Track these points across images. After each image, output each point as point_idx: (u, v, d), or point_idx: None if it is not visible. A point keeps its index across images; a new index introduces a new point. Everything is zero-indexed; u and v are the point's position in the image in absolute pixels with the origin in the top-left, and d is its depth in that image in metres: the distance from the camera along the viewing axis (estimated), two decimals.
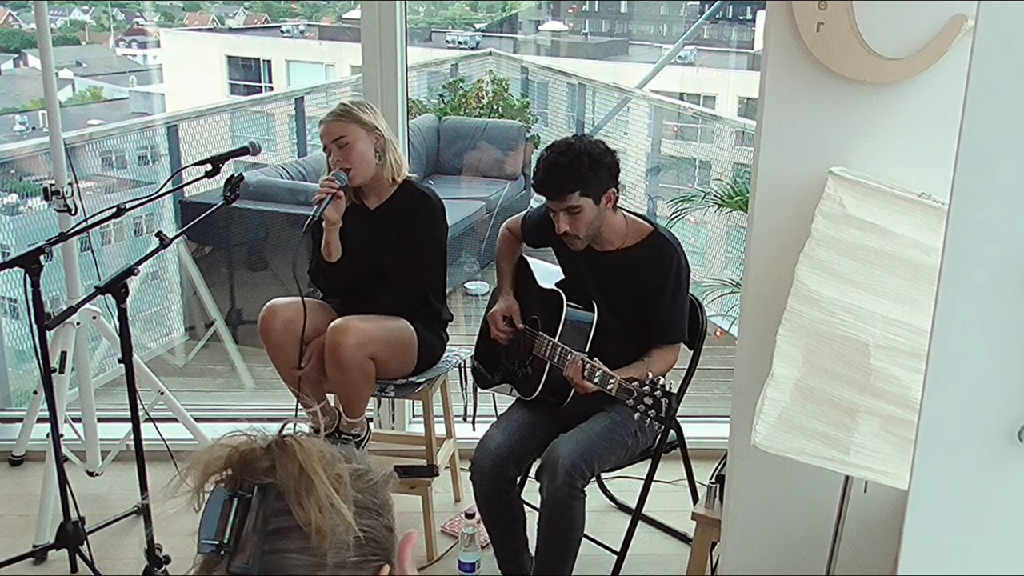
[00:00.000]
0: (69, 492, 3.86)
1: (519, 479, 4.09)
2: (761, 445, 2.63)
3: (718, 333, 6.33)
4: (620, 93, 9.90)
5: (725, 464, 3.67)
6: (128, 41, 11.67)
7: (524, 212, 4.35)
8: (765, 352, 2.81)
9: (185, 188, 5.14)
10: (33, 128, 9.46)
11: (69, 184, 4.32)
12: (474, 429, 4.37)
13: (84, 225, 3.96)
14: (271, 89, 10.85)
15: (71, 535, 3.95)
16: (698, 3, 11.37)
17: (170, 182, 4.31)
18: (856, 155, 3.18)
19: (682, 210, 5.92)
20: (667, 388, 3.53)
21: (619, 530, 4.23)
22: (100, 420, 4.81)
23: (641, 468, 4.12)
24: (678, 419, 4.12)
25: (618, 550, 4.18)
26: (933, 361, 2.11)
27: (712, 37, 11.15)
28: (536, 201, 4.25)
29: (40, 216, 6.42)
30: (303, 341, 4.14)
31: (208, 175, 4.07)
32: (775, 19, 3.11)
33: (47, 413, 3.96)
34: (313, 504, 1.50)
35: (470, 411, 4.51)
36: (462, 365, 4.51)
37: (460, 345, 4.63)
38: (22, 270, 3.62)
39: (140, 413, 3.91)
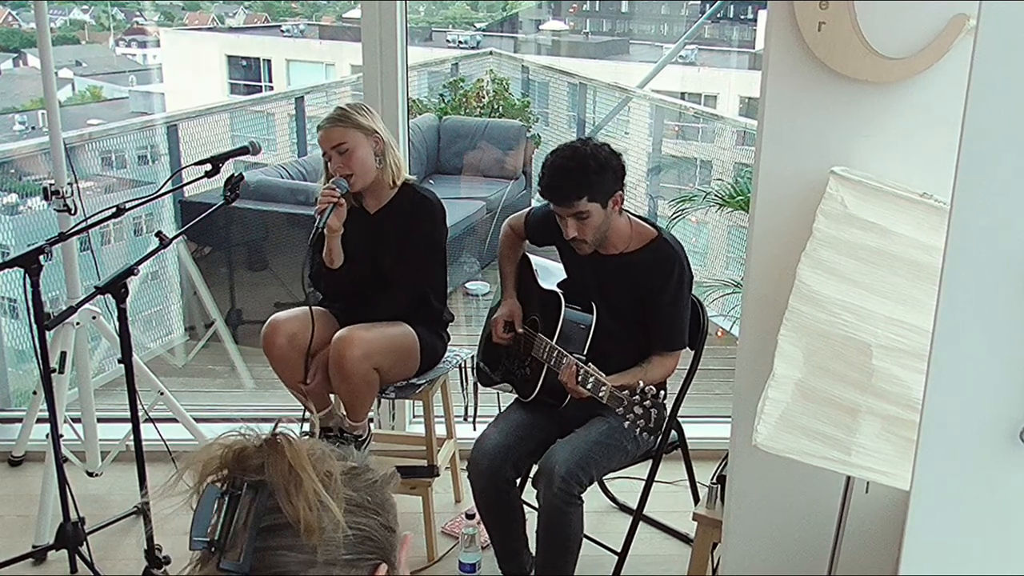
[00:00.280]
0: (69, 492, 3.86)
1: (518, 479, 4.08)
2: (762, 445, 2.62)
3: (719, 333, 6.33)
4: (621, 93, 9.89)
5: (726, 464, 3.66)
6: (128, 40, 11.67)
7: (527, 209, 4.33)
8: (766, 352, 2.81)
9: (185, 188, 5.14)
10: (33, 128, 9.46)
11: (69, 184, 4.32)
12: (475, 429, 4.36)
13: (84, 225, 3.95)
14: (271, 89, 10.86)
15: (71, 535, 3.95)
16: (699, 2, 11.37)
17: (170, 182, 4.31)
18: (858, 155, 3.17)
19: (683, 210, 5.90)
20: (658, 399, 3.52)
21: (620, 530, 4.22)
22: (100, 420, 4.80)
23: (642, 468, 4.12)
24: (679, 419, 4.12)
25: (619, 551, 4.18)
26: (935, 361, 2.11)
27: (713, 36, 11.15)
28: (537, 200, 4.23)
29: (40, 216, 6.41)
30: (309, 355, 4.14)
31: (208, 175, 4.07)
32: (776, 18, 3.10)
33: (47, 413, 3.95)
34: (302, 501, 1.50)
35: (471, 411, 4.50)
36: (462, 365, 4.51)
37: (460, 345, 4.63)
38: (22, 270, 3.61)
39: (140, 413, 3.92)
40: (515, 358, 4.19)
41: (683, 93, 10.39)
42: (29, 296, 3.64)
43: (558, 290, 4.05)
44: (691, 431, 4.32)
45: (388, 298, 4.21)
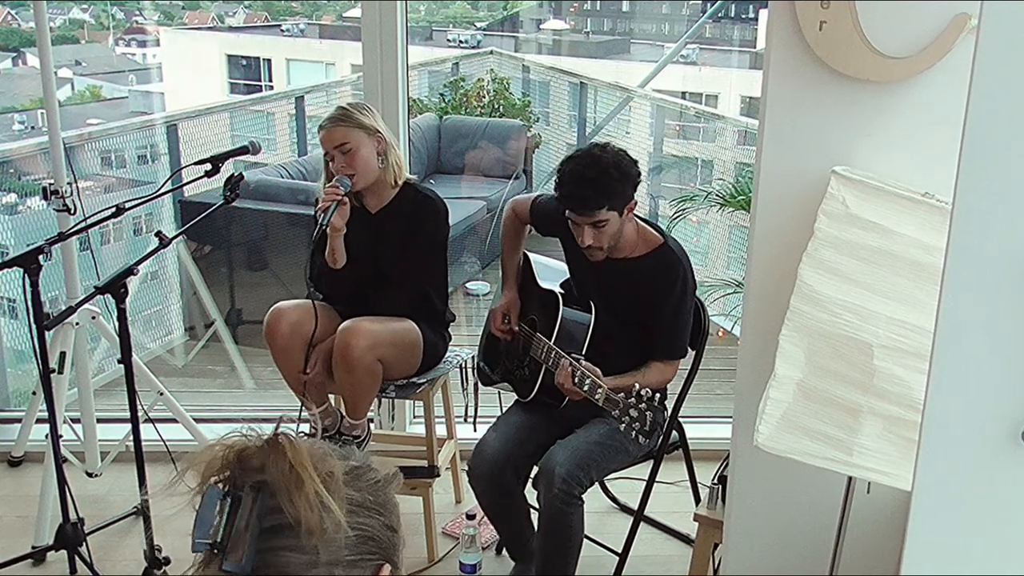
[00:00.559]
0: (68, 493, 3.85)
1: (519, 481, 4.08)
2: (764, 446, 2.62)
3: (720, 333, 6.32)
4: (622, 92, 9.89)
5: (727, 465, 3.66)
6: (127, 40, 11.67)
7: (535, 195, 4.29)
8: (768, 352, 2.80)
9: (185, 188, 5.13)
10: (32, 127, 9.45)
11: (68, 184, 4.31)
12: (475, 430, 4.36)
13: (83, 225, 3.95)
14: (271, 88, 10.85)
15: (70, 536, 3.94)
16: (700, 2, 11.37)
17: (170, 181, 4.30)
18: (859, 154, 3.17)
19: (684, 210, 5.90)
20: (654, 402, 3.51)
21: (621, 531, 4.22)
22: (99, 421, 4.79)
23: (643, 469, 4.11)
24: (680, 420, 4.12)
25: (620, 551, 4.18)
26: (936, 361, 2.10)
27: (714, 36, 11.14)
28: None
29: (39, 216, 6.40)
30: (311, 345, 4.13)
31: (208, 174, 4.06)
32: (778, 18, 3.09)
33: (46, 414, 3.95)
34: (303, 501, 1.49)
35: (471, 411, 4.50)
36: (463, 365, 4.50)
37: (461, 345, 4.62)
38: (21, 270, 3.60)
39: (139, 414, 3.91)
40: (514, 357, 4.18)
41: (684, 93, 10.38)
42: (28, 296, 3.63)
43: (557, 290, 4.05)
44: (692, 431, 4.32)
45: (390, 297, 4.21)
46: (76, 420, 4.72)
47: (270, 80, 10.94)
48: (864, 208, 3.03)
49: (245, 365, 6.63)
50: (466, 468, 4.11)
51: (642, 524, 4.24)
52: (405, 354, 4.21)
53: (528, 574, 4.11)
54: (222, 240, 7.23)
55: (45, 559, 4.32)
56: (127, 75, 11.44)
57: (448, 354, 4.48)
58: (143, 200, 4.04)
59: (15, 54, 10.46)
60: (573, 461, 3.75)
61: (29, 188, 6.70)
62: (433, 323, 4.33)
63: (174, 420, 4.88)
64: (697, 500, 4.26)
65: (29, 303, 3.64)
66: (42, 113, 4.93)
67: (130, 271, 3.64)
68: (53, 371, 3.98)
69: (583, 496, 3.78)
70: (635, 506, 4.20)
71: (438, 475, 4.41)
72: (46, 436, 4.07)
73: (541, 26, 12.20)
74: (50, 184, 4.29)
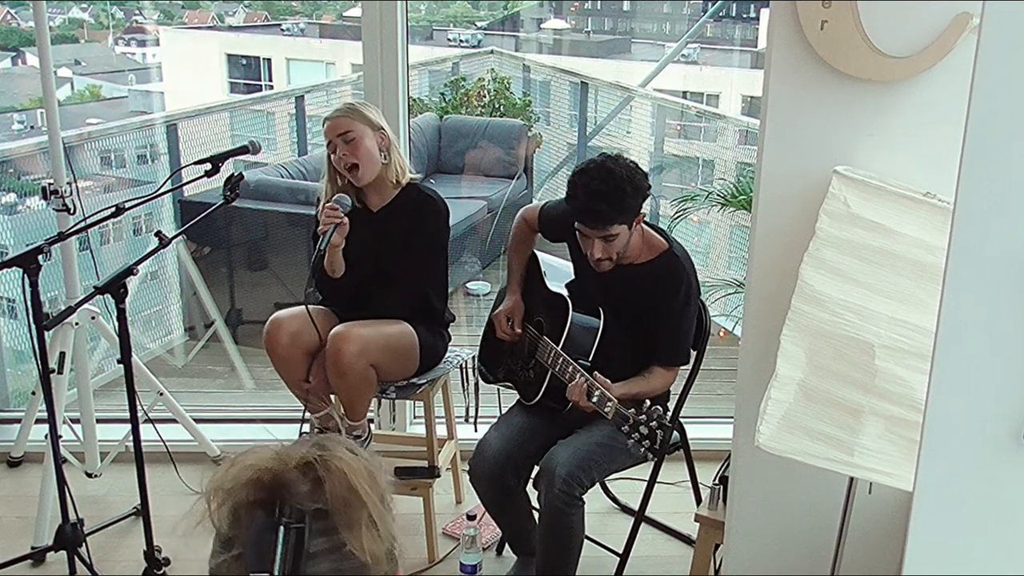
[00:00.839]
0: (68, 493, 3.84)
1: (520, 481, 4.07)
2: (765, 446, 2.61)
3: (722, 334, 6.31)
4: (623, 92, 9.88)
5: (728, 465, 3.65)
6: (127, 39, 11.66)
7: (544, 202, 4.29)
8: (769, 353, 2.80)
9: (184, 187, 5.12)
10: (31, 127, 9.45)
11: (68, 183, 4.31)
12: (475, 430, 4.35)
13: (83, 225, 3.94)
14: (271, 88, 10.85)
15: (70, 537, 3.93)
16: (701, 1, 11.36)
17: (169, 181, 4.30)
18: (861, 154, 3.16)
19: (685, 209, 5.89)
20: (664, 419, 3.50)
21: (622, 532, 4.21)
22: (99, 421, 4.79)
23: (644, 469, 4.09)
24: (681, 420, 4.11)
25: (621, 552, 4.17)
26: (938, 362, 2.10)
27: (715, 35, 11.15)
28: (539, 199, 4.21)
29: (38, 215, 6.39)
30: (312, 354, 4.14)
31: (208, 174, 4.06)
32: (779, 17, 3.09)
33: (46, 414, 3.94)
34: (364, 530, 1.47)
35: (472, 412, 4.49)
36: (463, 365, 4.49)
37: (461, 345, 4.61)
38: (20, 270, 3.59)
39: (139, 414, 3.89)
40: (518, 359, 4.17)
41: (685, 92, 10.38)
42: (28, 296, 3.62)
43: (565, 293, 4.03)
44: (693, 432, 4.32)
45: (390, 297, 4.21)
46: (76, 420, 4.71)
47: (270, 80, 10.93)
48: (866, 208, 3.03)
49: (245, 365, 6.62)
50: (467, 468, 4.10)
51: (643, 525, 4.23)
52: (399, 357, 4.21)
53: (529, 572, 4.11)
54: (222, 240, 7.22)
55: (45, 560, 4.31)
56: (127, 75, 11.44)
57: (448, 354, 4.47)
58: (143, 200, 4.04)
59: (14, 53, 10.46)
60: (574, 462, 3.75)
61: (28, 188, 6.69)
62: (432, 324, 4.33)
63: (174, 420, 4.89)
64: (698, 501, 4.26)
65: (28, 303, 3.63)
66: (41, 112, 4.93)
67: (130, 271, 3.63)
68: (53, 371, 3.97)
69: (584, 496, 3.78)
70: (636, 507, 4.19)
71: (438, 475, 4.40)
72: (46, 436, 4.06)
73: (542, 25, 12.20)
74: (49, 184, 4.29)
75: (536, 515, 3.97)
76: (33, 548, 4.31)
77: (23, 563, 4.26)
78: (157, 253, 3.85)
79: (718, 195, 5.59)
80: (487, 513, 4.20)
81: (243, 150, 4.23)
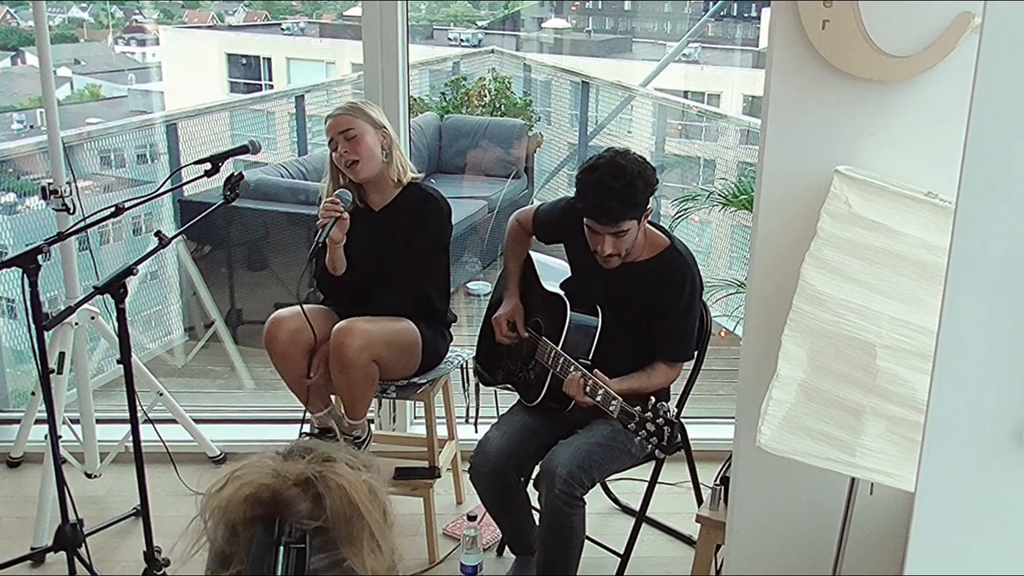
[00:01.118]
0: (67, 494, 3.83)
1: (521, 480, 4.07)
2: (766, 447, 2.61)
3: (723, 334, 6.31)
4: (624, 91, 9.88)
5: (729, 466, 3.64)
6: (127, 39, 11.65)
7: (536, 205, 4.29)
8: (770, 353, 2.80)
9: (184, 187, 5.13)
10: (31, 127, 9.45)
11: (67, 183, 4.31)
12: (476, 431, 4.34)
13: (82, 224, 3.94)
14: (271, 87, 10.83)
15: (69, 537, 3.92)
16: (702, 0, 11.34)
17: (169, 181, 4.30)
18: (862, 154, 3.16)
19: (686, 209, 5.89)
20: (670, 415, 3.49)
21: (623, 532, 4.21)
22: (99, 421, 4.78)
23: (645, 470, 4.10)
24: (682, 420, 4.10)
25: (622, 552, 4.17)
26: (940, 362, 2.10)
27: (717, 35, 11.14)
28: (539, 199, 4.21)
29: (38, 215, 6.39)
30: (312, 352, 4.15)
31: (207, 174, 4.05)
32: (780, 17, 3.09)
33: (45, 414, 3.94)
34: (365, 546, 1.46)
35: (472, 412, 4.48)
36: (464, 366, 4.49)
37: (462, 346, 4.61)
38: (20, 270, 3.58)
39: (139, 414, 3.88)
40: (518, 360, 4.17)
41: (686, 91, 10.37)
42: (27, 296, 3.61)
43: (563, 293, 4.02)
44: (694, 432, 4.31)
45: (391, 296, 4.21)
46: (75, 421, 4.70)
47: (270, 79, 10.92)
48: (867, 208, 3.02)
49: (245, 365, 6.62)
50: (468, 467, 4.10)
51: (644, 525, 4.23)
52: (403, 354, 4.21)
53: (529, 572, 4.10)
54: (222, 240, 7.21)
55: (44, 560, 4.31)
56: (126, 74, 11.43)
57: (449, 354, 4.47)
58: (142, 200, 4.03)
59: (14, 53, 10.44)
60: (575, 462, 3.74)
61: (28, 187, 6.68)
62: (434, 323, 4.33)
63: (173, 421, 4.89)
64: (699, 501, 4.25)
65: (28, 303, 3.62)
66: (41, 112, 4.93)
67: (129, 271, 3.62)
68: (52, 371, 3.97)
69: (585, 497, 3.77)
70: (637, 507, 4.19)
71: (439, 476, 4.40)
72: (45, 437, 4.05)
73: (542, 25, 12.20)
74: (49, 183, 4.28)
75: (537, 515, 3.96)
76: (33, 549, 4.30)
77: (23, 564, 4.26)
78: (157, 253, 3.84)
79: (719, 195, 5.58)
80: (487, 512, 4.19)
81: (243, 150, 4.22)
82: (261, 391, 6.28)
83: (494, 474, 3.96)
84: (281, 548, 1.45)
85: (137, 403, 3.87)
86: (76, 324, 4.45)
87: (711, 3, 10.75)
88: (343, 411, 4.23)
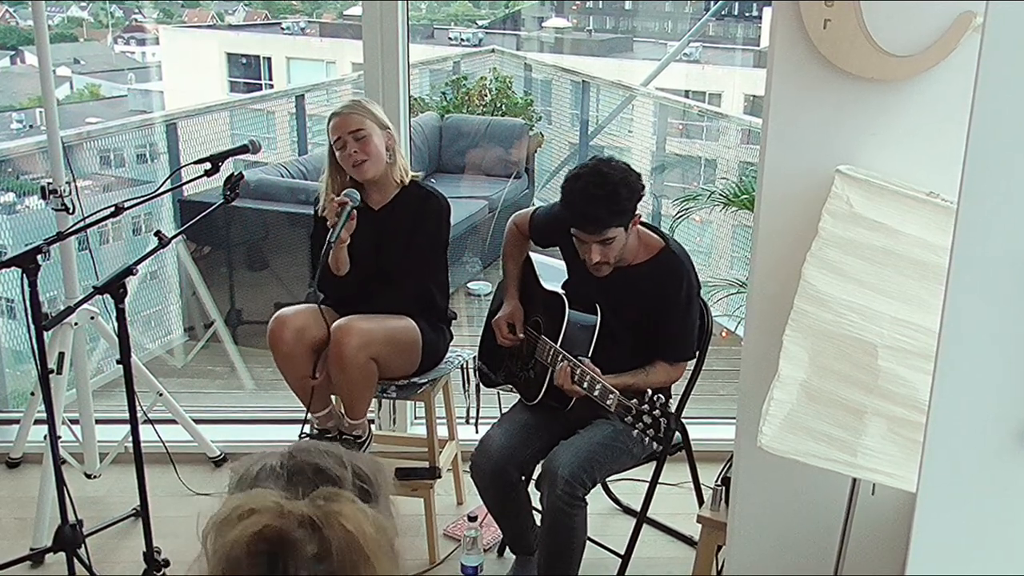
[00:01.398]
0: (67, 494, 3.82)
1: (523, 478, 4.06)
2: (767, 447, 2.61)
3: (724, 334, 6.30)
4: (624, 91, 9.87)
5: (731, 466, 3.64)
6: (127, 38, 11.64)
7: (533, 208, 4.29)
8: (771, 353, 2.79)
9: (184, 187, 5.12)
10: (30, 126, 9.44)
11: (67, 183, 4.31)
12: (476, 431, 4.33)
13: (82, 224, 3.93)
14: (271, 87, 10.82)
15: (69, 538, 3.92)
16: (703, 0, 11.34)
17: (169, 181, 4.30)
18: (863, 153, 3.15)
19: (687, 209, 5.88)
20: (667, 407, 3.49)
21: (624, 533, 4.21)
22: (98, 422, 4.77)
23: (646, 470, 4.09)
24: (683, 421, 4.10)
25: (623, 553, 4.17)
26: (941, 362, 2.09)
27: (718, 34, 11.14)
28: (539, 200, 4.20)
29: (37, 215, 6.38)
30: (318, 351, 4.14)
31: (207, 174, 4.04)
32: (781, 16, 3.08)
33: (44, 415, 3.94)
34: None
35: (473, 412, 4.47)
36: (464, 366, 4.48)
37: (462, 346, 4.60)
38: (19, 270, 3.58)
39: (139, 415, 3.88)
40: (518, 360, 4.17)
41: (687, 91, 10.37)
42: (27, 296, 3.61)
43: (561, 292, 4.02)
44: (695, 432, 4.30)
45: (392, 295, 4.20)
46: (75, 421, 4.70)
47: (270, 79, 10.91)
48: (868, 207, 3.02)
49: (245, 366, 6.62)
50: (468, 466, 4.09)
51: (645, 526, 4.22)
52: (402, 352, 4.20)
53: (530, 572, 4.10)
54: (222, 240, 7.21)
55: (44, 561, 4.31)
56: (126, 73, 11.42)
57: (450, 354, 4.47)
58: (142, 199, 4.02)
59: (13, 52, 10.44)
60: (576, 462, 3.74)
61: (27, 187, 6.68)
62: (434, 321, 4.33)
63: (173, 421, 4.89)
64: (700, 502, 4.24)
65: (27, 303, 3.62)
66: (40, 112, 4.92)
67: (129, 271, 3.61)
68: (52, 372, 3.96)
69: (586, 497, 3.77)
70: (638, 508, 4.18)
71: (439, 476, 4.39)
72: (45, 437, 4.06)
73: (543, 24, 12.18)
74: (48, 183, 4.28)
75: (538, 515, 3.96)
76: (32, 549, 4.30)
77: (22, 564, 4.25)
78: (156, 253, 3.83)
79: (720, 195, 5.58)
80: (487, 511, 4.19)
81: (243, 149, 4.22)
82: (261, 391, 6.28)
83: (495, 472, 3.96)
84: None
85: (137, 403, 3.86)
86: (76, 324, 4.44)
87: (712, 2, 10.75)
88: (343, 411, 4.22)
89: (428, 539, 4.40)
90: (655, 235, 3.95)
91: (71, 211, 4.27)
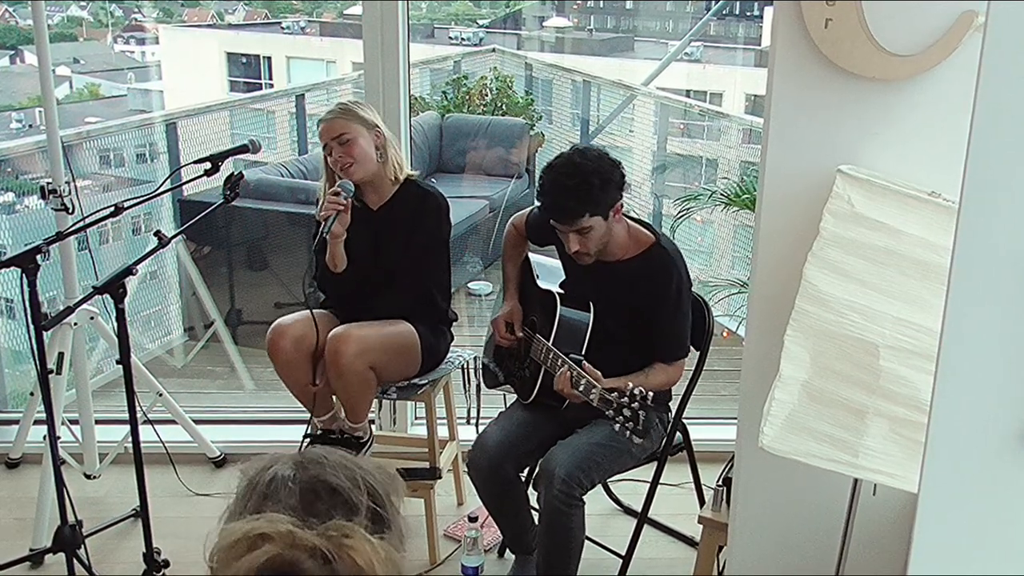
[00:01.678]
0: (66, 495, 3.82)
1: (520, 475, 4.07)
2: (769, 447, 2.60)
3: (725, 334, 6.30)
4: (625, 90, 9.87)
5: (732, 467, 3.63)
6: (126, 37, 11.64)
7: (530, 208, 4.29)
8: (773, 353, 2.79)
9: (184, 187, 5.12)
10: (30, 126, 9.43)
11: (66, 183, 4.30)
12: (477, 431, 4.33)
13: (81, 224, 3.93)
14: (271, 86, 10.81)
15: (68, 539, 3.91)
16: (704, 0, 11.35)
17: (169, 180, 4.31)
18: (865, 153, 3.15)
19: (688, 209, 5.88)
20: (647, 401, 3.47)
21: (625, 533, 4.20)
22: (98, 422, 4.77)
23: (647, 471, 4.09)
24: (684, 421, 4.09)
25: (623, 554, 4.16)
26: (943, 362, 2.09)
27: (719, 33, 11.13)
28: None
29: (37, 215, 6.38)
30: (315, 358, 4.14)
31: (207, 173, 4.04)
32: (783, 15, 3.07)
33: (44, 415, 3.93)
34: None
35: (473, 413, 4.47)
36: (465, 366, 4.48)
37: (463, 346, 4.60)
38: (19, 270, 3.57)
39: (138, 415, 3.87)
40: (515, 359, 4.17)
41: (688, 91, 10.36)
42: (26, 296, 3.60)
43: (554, 290, 4.02)
44: (696, 433, 4.29)
45: (391, 296, 4.20)
46: (74, 421, 4.70)
47: (270, 78, 10.90)
48: (870, 207, 3.01)
49: (245, 366, 6.61)
50: (466, 461, 4.09)
51: (646, 526, 4.22)
52: (401, 357, 4.20)
53: (529, 572, 4.10)
54: (222, 240, 7.20)
55: (43, 562, 4.30)
56: (126, 73, 11.41)
57: (450, 355, 4.46)
58: (142, 199, 4.02)
59: (13, 52, 10.44)
60: (573, 462, 3.73)
61: (27, 187, 6.68)
62: (435, 322, 4.32)
63: (173, 421, 4.88)
64: (701, 502, 4.23)
65: (27, 303, 3.61)
66: (40, 111, 4.91)
67: (129, 271, 3.61)
68: (51, 372, 3.95)
69: (583, 497, 3.77)
70: (639, 508, 4.18)
71: (440, 477, 4.39)
72: (44, 437, 4.05)
73: (544, 23, 12.18)
74: (48, 183, 4.27)
75: (536, 515, 3.95)
76: (32, 550, 4.30)
77: (22, 565, 4.25)
78: (156, 253, 3.83)
79: (721, 194, 5.58)
80: (485, 509, 4.18)
81: (243, 149, 4.21)
82: (261, 392, 6.28)
83: (492, 468, 3.96)
84: None
85: (136, 404, 3.86)
86: (75, 324, 4.44)
87: (713, 2, 10.75)
88: (343, 414, 4.22)
89: (428, 540, 4.40)
90: (646, 231, 3.95)
91: (71, 211, 4.26)
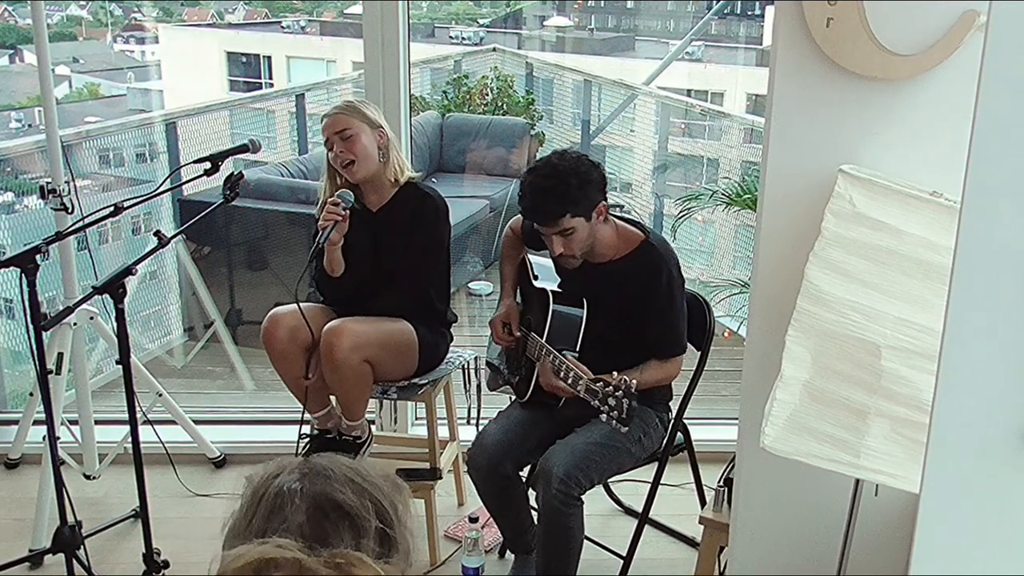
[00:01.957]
0: (66, 495, 3.81)
1: (519, 473, 4.06)
2: (770, 448, 2.60)
3: (726, 334, 6.29)
4: (626, 90, 9.86)
5: (733, 467, 3.63)
6: (126, 37, 11.63)
7: None
8: (774, 353, 2.78)
9: (184, 186, 5.12)
10: (29, 125, 9.42)
11: (66, 182, 4.30)
12: (478, 432, 4.33)
13: (81, 224, 3.92)
14: (271, 86, 10.80)
15: (68, 539, 3.90)
16: None
17: (168, 180, 4.30)
18: (867, 153, 3.14)
19: (689, 209, 5.88)
20: (631, 390, 3.47)
21: (625, 534, 4.20)
22: (97, 422, 4.76)
23: (648, 471, 4.08)
24: (685, 422, 4.09)
25: (624, 554, 4.16)
26: (944, 362, 2.09)
27: (720, 33, 11.12)
28: None
29: (36, 215, 6.38)
30: (310, 351, 4.12)
31: (207, 173, 4.04)
32: (784, 15, 3.07)
33: (43, 415, 3.92)
34: None
35: (474, 413, 4.47)
36: (465, 366, 4.47)
37: (463, 346, 4.59)
38: (18, 270, 3.57)
39: (138, 415, 3.86)
40: (513, 359, 4.16)
41: (689, 90, 10.36)
42: (26, 296, 3.60)
43: (548, 288, 4.02)
44: (697, 433, 4.28)
45: (390, 297, 4.19)
46: (74, 422, 4.70)
47: (270, 78, 10.90)
48: (871, 207, 3.01)
49: (245, 366, 6.61)
50: (466, 460, 4.08)
51: (647, 527, 4.21)
52: (398, 355, 4.19)
53: (528, 572, 4.09)
54: (222, 240, 7.20)
55: (42, 562, 4.30)
56: (125, 72, 11.41)
57: (450, 355, 4.45)
58: (142, 199, 4.01)
59: (12, 51, 10.43)
60: (571, 462, 3.73)
61: (26, 187, 6.68)
62: (433, 323, 4.31)
63: (173, 422, 4.88)
64: (702, 503, 4.23)
65: (26, 303, 3.60)
66: (39, 111, 4.90)
67: (128, 271, 3.60)
68: (50, 372, 3.94)
69: (582, 497, 3.76)
70: (639, 509, 4.18)
71: (440, 477, 4.38)
72: (43, 438, 4.05)
73: (545, 23, 12.17)
74: (47, 183, 4.27)
75: (535, 515, 3.95)
76: (31, 551, 4.29)
77: (21, 565, 4.25)
78: (156, 253, 3.82)
79: (723, 194, 5.58)
80: (485, 508, 4.18)
81: (243, 149, 4.21)
82: (261, 392, 6.27)
83: (491, 467, 3.96)
84: None
85: (136, 404, 3.85)
86: (75, 324, 4.43)
87: (714, 1, 10.75)
88: (340, 412, 4.21)
89: (429, 540, 4.40)
90: (636, 229, 3.94)
91: (70, 211, 4.26)
